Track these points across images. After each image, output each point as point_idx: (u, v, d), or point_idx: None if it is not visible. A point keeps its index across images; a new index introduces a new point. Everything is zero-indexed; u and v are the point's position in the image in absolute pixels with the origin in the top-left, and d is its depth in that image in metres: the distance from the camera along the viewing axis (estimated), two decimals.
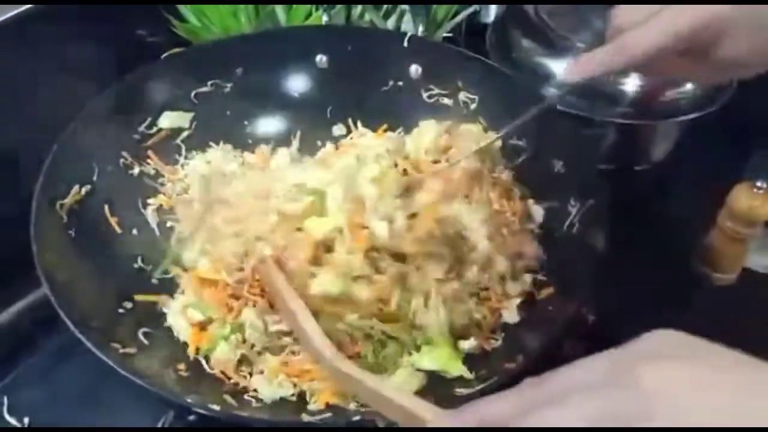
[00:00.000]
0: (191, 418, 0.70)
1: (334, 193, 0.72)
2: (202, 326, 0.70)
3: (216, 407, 0.60)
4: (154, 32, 1.09)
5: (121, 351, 0.63)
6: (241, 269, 0.71)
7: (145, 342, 0.67)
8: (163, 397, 0.61)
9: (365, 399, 0.59)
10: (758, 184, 0.81)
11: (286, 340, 0.69)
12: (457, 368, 0.66)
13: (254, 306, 0.70)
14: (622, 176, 0.96)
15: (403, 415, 0.50)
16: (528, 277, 0.75)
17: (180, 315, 0.70)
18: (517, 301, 0.73)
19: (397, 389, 0.55)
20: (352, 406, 0.64)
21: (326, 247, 0.70)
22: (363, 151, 0.81)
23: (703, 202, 0.88)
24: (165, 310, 0.72)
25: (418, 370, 0.67)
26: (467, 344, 0.69)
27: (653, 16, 0.57)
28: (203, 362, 0.68)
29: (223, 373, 0.67)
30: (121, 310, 0.70)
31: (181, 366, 0.66)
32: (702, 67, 0.61)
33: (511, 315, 0.72)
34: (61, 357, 0.76)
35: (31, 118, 0.84)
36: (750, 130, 1.06)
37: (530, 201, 0.81)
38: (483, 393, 0.60)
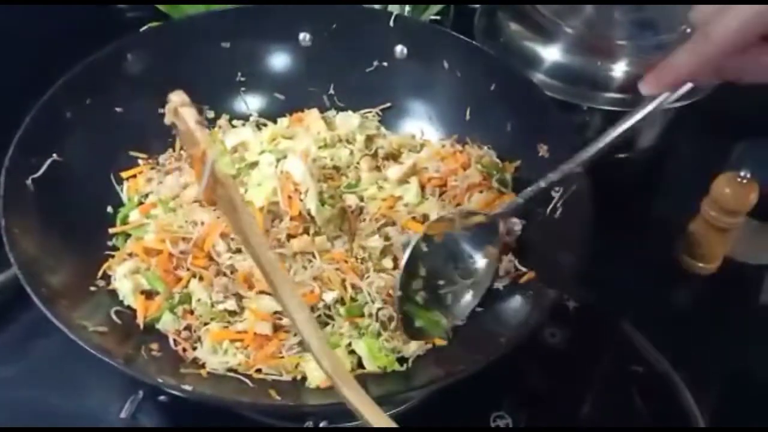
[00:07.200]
0: (162, 398, 0.69)
1: (266, 161, 0.76)
2: (148, 295, 0.69)
3: (188, 387, 0.59)
4: (134, 6, 1.07)
5: (92, 329, 0.61)
6: (185, 239, 0.70)
7: (118, 321, 0.66)
8: (133, 376, 0.59)
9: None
10: (742, 173, 0.81)
11: (234, 318, 0.68)
12: (386, 362, 0.65)
13: (201, 279, 0.69)
14: (606, 163, 0.95)
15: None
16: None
17: (126, 279, 0.69)
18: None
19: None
20: (284, 375, 0.64)
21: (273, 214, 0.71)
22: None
23: (687, 190, 0.88)
24: (109, 272, 0.70)
25: (352, 352, 0.66)
26: (410, 349, 0.67)
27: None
28: (170, 340, 0.66)
29: (184, 350, 0.66)
30: (92, 288, 0.68)
31: (154, 346, 0.65)
32: None
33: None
34: (30, 335, 0.74)
35: (6, 91, 0.82)
36: (735, 120, 1.06)
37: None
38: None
